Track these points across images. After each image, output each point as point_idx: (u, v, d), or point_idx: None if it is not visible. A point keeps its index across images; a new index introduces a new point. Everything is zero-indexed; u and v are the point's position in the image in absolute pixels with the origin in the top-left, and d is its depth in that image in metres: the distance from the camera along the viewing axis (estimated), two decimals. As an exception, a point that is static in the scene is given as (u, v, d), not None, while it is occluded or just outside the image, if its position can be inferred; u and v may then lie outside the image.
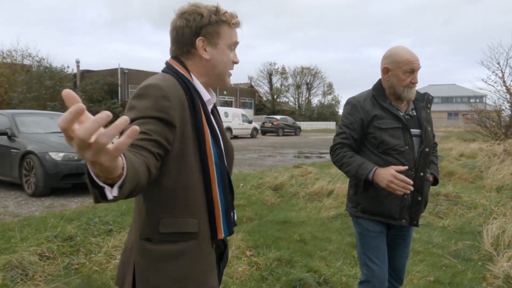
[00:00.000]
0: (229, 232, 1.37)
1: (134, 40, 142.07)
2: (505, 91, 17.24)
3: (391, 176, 1.91)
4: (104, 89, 32.33)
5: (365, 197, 2.14)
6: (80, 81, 33.54)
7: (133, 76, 33.97)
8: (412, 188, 1.92)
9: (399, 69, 2.09)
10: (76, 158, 6.63)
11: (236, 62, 1.47)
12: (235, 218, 1.51)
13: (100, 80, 32.38)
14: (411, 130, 2.13)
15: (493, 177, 7.93)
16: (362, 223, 2.19)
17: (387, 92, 2.17)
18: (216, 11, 1.38)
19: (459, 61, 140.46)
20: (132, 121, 1.15)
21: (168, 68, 1.39)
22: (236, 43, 1.45)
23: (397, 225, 2.16)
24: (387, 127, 2.09)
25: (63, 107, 24.58)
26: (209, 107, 1.42)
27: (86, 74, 35.15)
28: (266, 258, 3.75)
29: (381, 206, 2.10)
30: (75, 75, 33.35)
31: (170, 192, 1.27)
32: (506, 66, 17.09)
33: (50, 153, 6.57)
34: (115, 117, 30.30)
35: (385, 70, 2.15)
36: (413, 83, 2.10)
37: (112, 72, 33.64)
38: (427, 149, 2.15)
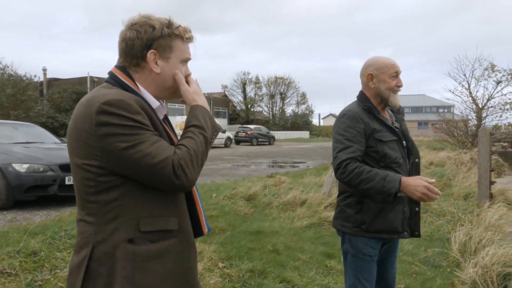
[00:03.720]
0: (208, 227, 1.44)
1: (113, 47, 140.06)
2: (471, 101, 17.96)
3: (424, 188, 1.89)
4: (72, 98, 31.39)
5: (371, 215, 2.07)
6: (47, 89, 32.57)
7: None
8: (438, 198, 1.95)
9: (384, 74, 2.14)
10: (41, 169, 6.37)
11: (188, 76, 1.42)
12: None
13: (69, 89, 31.49)
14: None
15: (460, 185, 8.17)
16: (357, 245, 2.11)
17: (374, 103, 2.18)
18: (169, 24, 1.33)
19: (434, 71, 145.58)
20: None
21: (113, 79, 1.33)
22: (188, 59, 1.41)
23: (399, 238, 2.19)
24: (387, 140, 2.11)
25: (27, 116, 23.75)
26: (160, 116, 1.38)
27: (53, 82, 34.12)
28: (238, 269, 3.69)
29: (386, 222, 2.07)
30: (41, 83, 32.35)
31: (149, 190, 1.24)
32: (471, 78, 17.83)
33: (13, 165, 6.28)
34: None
35: (370, 77, 2.17)
36: (399, 86, 2.15)
37: (81, 80, 32.80)
38: (417, 160, 2.24)
